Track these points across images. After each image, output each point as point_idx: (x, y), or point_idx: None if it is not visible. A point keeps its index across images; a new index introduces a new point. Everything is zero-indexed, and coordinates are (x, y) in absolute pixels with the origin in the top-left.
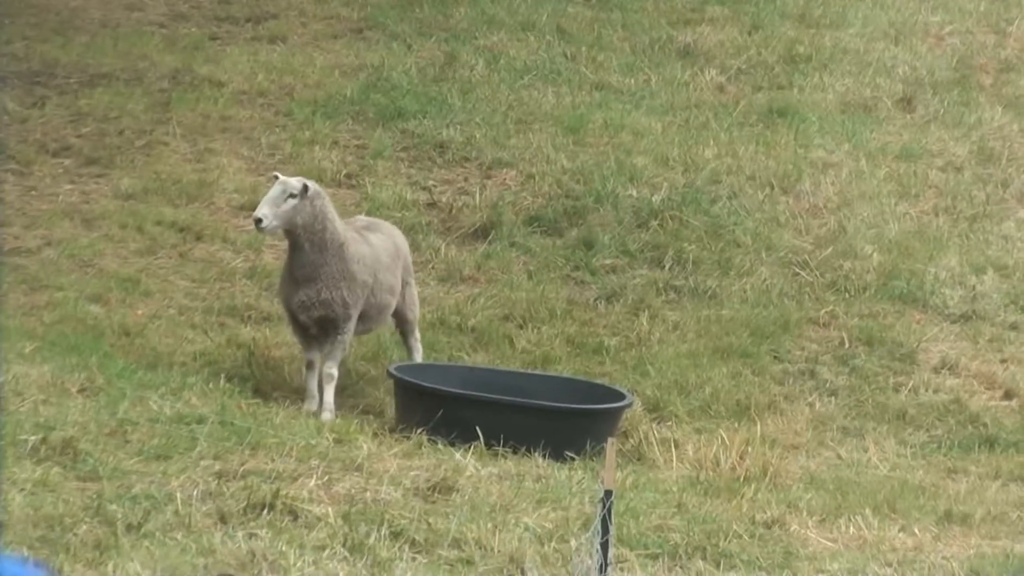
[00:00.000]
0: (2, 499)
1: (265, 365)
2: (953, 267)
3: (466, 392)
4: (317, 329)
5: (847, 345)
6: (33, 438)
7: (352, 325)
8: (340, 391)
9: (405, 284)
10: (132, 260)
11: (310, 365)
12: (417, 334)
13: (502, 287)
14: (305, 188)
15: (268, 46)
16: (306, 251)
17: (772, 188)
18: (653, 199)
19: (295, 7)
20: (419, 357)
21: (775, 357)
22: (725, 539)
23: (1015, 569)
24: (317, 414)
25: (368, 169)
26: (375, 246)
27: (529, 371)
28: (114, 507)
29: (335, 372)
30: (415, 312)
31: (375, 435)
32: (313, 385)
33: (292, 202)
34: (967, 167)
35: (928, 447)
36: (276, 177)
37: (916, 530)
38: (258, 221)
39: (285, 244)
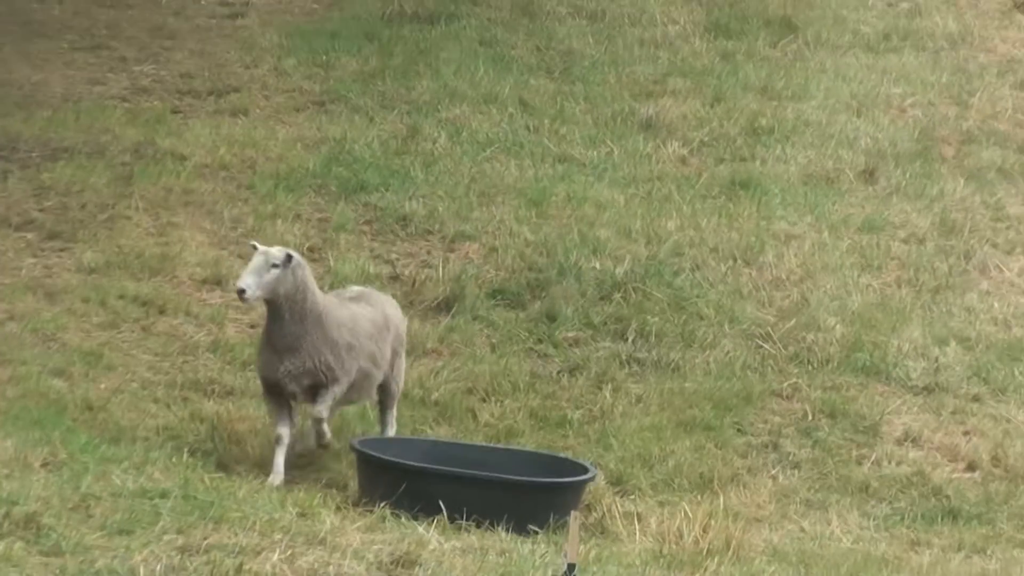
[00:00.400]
0: None
1: (228, 439)
2: (916, 339)
3: (429, 466)
4: (307, 396)
5: (810, 417)
6: None
7: (345, 383)
8: (304, 466)
9: (395, 355)
10: (95, 334)
11: (279, 440)
12: (395, 411)
13: (465, 360)
14: (288, 258)
15: (230, 119)
16: (286, 321)
17: (735, 260)
18: (616, 271)
19: (257, 80)
20: (391, 433)
21: (738, 430)
22: None
23: None
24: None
25: (331, 242)
26: (356, 313)
27: (492, 445)
28: None
29: (325, 414)
30: (399, 385)
31: (338, 509)
32: (280, 460)
33: (275, 272)
34: (929, 239)
35: (891, 520)
36: (255, 247)
37: None
38: (241, 291)
39: (248, 318)
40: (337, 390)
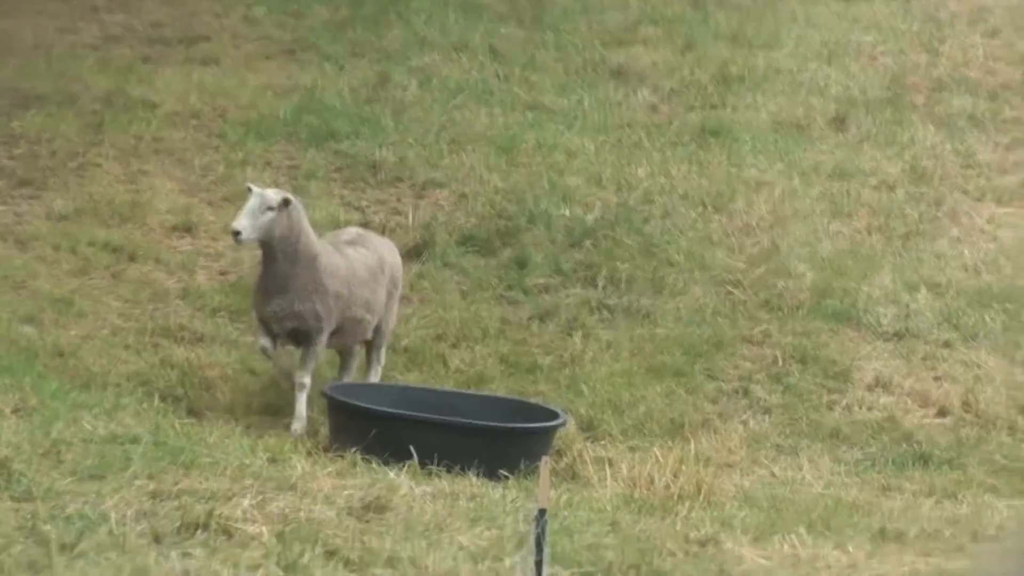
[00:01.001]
0: None
1: (198, 385)
2: (886, 285)
3: (399, 412)
4: (289, 340)
5: (781, 363)
6: None
7: (324, 337)
8: (274, 412)
9: (389, 297)
10: (65, 281)
11: (264, 351)
12: (383, 352)
13: (435, 307)
14: (285, 202)
15: (201, 67)
16: (279, 263)
17: (705, 207)
18: (586, 218)
19: (228, 29)
20: (375, 376)
21: (709, 376)
22: (659, 557)
23: None
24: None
25: (301, 190)
26: (351, 259)
27: (463, 390)
28: (48, 527)
29: (307, 381)
30: (390, 327)
31: (309, 454)
32: (279, 367)
33: (270, 215)
34: (900, 186)
35: (862, 465)
36: (250, 189)
37: (850, 547)
38: (236, 233)
39: (218, 265)
40: (318, 347)
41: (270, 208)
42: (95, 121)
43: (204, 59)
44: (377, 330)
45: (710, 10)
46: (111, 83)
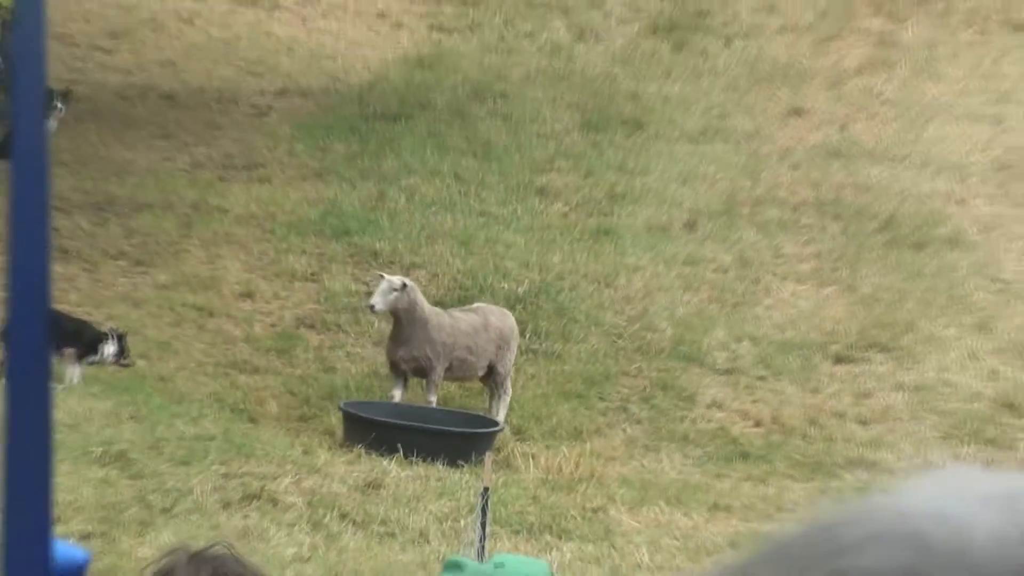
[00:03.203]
0: (63, 496)
1: (255, 401)
2: (721, 338)
3: (391, 420)
4: (413, 373)
5: (648, 390)
6: (98, 450)
7: (438, 368)
8: (307, 419)
9: (499, 349)
10: (166, 330)
11: (391, 398)
12: (505, 387)
13: None
14: (404, 285)
15: (258, 185)
16: (404, 325)
17: (599, 284)
18: (518, 290)
19: (276, 159)
20: (502, 405)
21: (600, 398)
22: (565, 520)
23: (761, 542)
24: None
25: (325, 269)
26: (457, 319)
27: (435, 407)
28: (152, 497)
29: (433, 400)
30: (505, 369)
31: (329, 449)
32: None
33: (395, 294)
34: (731, 270)
35: (703, 459)
36: (381, 276)
37: (694, 515)
38: (372, 306)
39: (269, 320)
40: (435, 377)
41: (395, 289)
42: (186, 221)
43: (260, 179)
44: (493, 371)
45: (603, 148)
46: (197, 195)
